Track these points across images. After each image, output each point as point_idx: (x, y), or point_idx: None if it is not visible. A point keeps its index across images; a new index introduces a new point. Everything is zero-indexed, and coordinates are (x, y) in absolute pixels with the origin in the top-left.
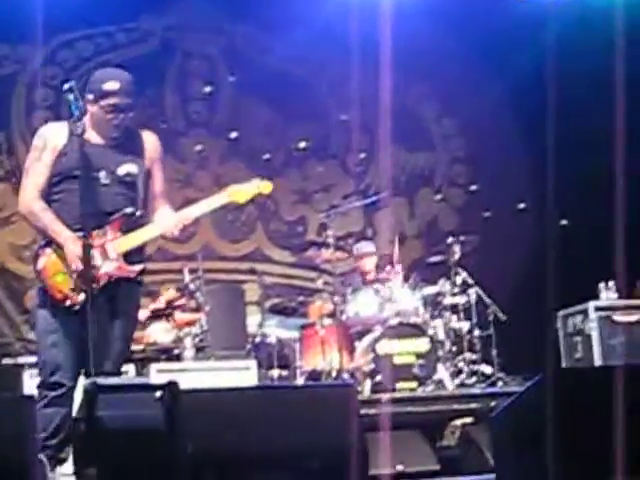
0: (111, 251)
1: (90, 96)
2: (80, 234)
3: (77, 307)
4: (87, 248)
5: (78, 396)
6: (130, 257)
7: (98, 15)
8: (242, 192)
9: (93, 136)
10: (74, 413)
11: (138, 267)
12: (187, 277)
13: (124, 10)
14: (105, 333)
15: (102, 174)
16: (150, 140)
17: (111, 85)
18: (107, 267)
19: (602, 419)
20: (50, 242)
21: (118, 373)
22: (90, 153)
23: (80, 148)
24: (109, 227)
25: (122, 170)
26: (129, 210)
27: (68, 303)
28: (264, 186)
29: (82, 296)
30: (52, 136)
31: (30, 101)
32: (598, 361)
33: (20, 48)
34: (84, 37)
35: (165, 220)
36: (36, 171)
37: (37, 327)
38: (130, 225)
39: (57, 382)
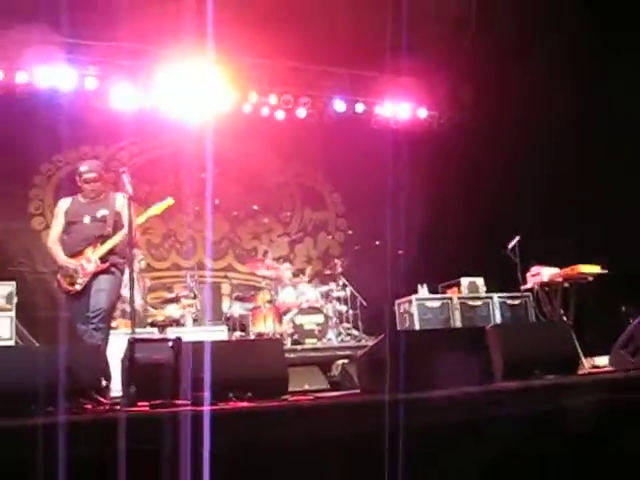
0: (92, 258)
1: (77, 177)
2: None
3: (74, 293)
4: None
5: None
6: (105, 259)
7: (142, 132)
8: (158, 208)
9: (82, 198)
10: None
11: (106, 265)
12: (189, 279)
13: (154, 130)
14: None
15: (86, 218)
16: (119, 197)
17: (83, 169)
18: (90, 267)
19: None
20: (59, 268)
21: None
22: (80, 208)
23: (76, 206)
24: (92, 244)
25: (99, 214)
26: (101, 234)
27: (72, 292)
28: (169, 201)
29: (77, 287)
30: (63, 205)
31: None
32: (417, 326)
33: (96, 148)
34: (131, 143)
35: (118, 234)
36: (55, 225)
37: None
38: (105, 242)
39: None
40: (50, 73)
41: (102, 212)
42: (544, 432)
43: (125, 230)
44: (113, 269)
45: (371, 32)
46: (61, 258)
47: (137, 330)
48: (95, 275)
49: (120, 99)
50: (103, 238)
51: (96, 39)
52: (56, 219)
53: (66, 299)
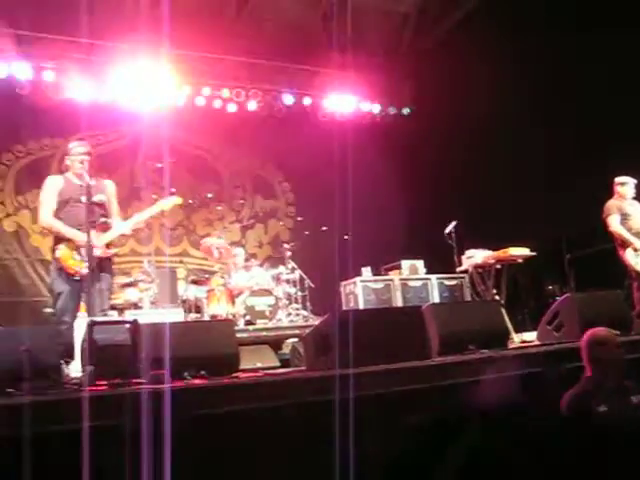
0: (96, 242)
1: (71, 157)
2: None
3: (79, 277)
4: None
5: (79, 326)
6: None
7: (100, 124)
8: (165, 204)
9: (76, 179)
10: (80, 337)
11: (113, 251)
12: (146, 264)
13: (111, 122)
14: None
15: (83, 199)
16: (109, 184)
17: (81, 149)
18: (97, 252)
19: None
20: (60, 241)
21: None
22: (76, 188)
23: (71, 186)
24: (94, 228)
25: (97, 198)
26: (105, 219)
27: (76, 277)
28: (177, 200)
29: (83, 270)
30: (54, 183)
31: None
32: (362, 306)
33: (56, 140)
34: (91, 135)
35: (124, 225)
36: (47, 202)
37: (55, 289)
38: (106, 228)
39: (64, 320)
40: (7, 65)
41: (99, 197)
42: (475, 401)
43: (127, 223)
44: (113, 267)
45: (318, 29)
46: (70, 231)
47: None
48: (99, 264)
49: (77, 92)
50: (105, 225)
51: (53, 33)
52: (47, 196)
53: (64, 276)
